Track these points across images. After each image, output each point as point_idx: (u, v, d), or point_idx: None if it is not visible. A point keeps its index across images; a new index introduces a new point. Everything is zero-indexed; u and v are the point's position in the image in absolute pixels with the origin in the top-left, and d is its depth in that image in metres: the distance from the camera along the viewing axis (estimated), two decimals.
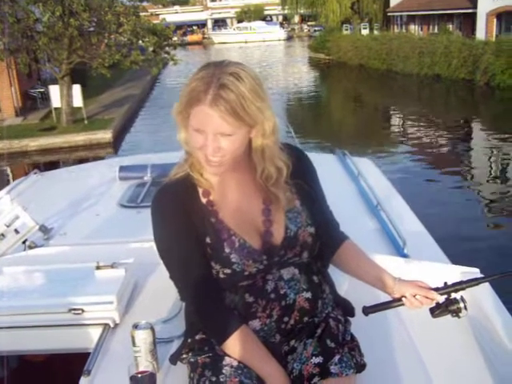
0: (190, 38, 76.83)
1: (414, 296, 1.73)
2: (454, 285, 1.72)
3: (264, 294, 1.72)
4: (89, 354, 2.07)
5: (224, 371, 1.65)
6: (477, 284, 1.74)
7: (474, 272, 2.45)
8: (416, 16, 39.21)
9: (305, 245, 1.76)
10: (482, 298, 2.15)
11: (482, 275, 2.40)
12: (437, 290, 1.72)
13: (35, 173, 4.64)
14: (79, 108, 18.45)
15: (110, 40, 18.31)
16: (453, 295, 1.71)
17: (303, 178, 1.82)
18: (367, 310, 1.75)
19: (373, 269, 1.86)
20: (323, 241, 1.82)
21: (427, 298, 1.73)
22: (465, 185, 11.51)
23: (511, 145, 14.72)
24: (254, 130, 1.64)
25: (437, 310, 1.71)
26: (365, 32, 41.33)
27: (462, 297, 1.70)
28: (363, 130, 18.57)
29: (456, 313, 1.68)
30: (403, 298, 1.75)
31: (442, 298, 1.71)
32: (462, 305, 1.68)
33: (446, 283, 1.74)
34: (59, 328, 2.23)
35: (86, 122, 18.29)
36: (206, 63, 1.64)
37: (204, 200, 1.73)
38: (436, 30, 36.00)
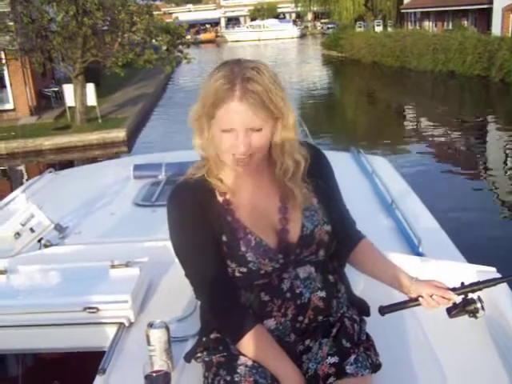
0: (203, 36, 76.96)
1: (431, 296, 1.71)
2: (471, 285, 1.70)
3: (280, 293, 1.72)
4: (104, 352, 2.08)
5: (239, 370, 1.65)
6: (494, 284, 1.73)
7: (491, 271, 2.42)
8: (430, 12, 38.97)
9: (321, 243, 1.75)
10: (499, 297, 2.12)
11: (499, 274, 2.39)
12: (454, 290, 1.70)
13: (50, 172, 4.67)
14: (93, 107, 18.51)
15: (123, 39, 18.33)
16: (470, 295, 1.69)
17: (320, 176, 1.81)
18: (384, 310, 1.74)
19: (389, 268, 1.85)
20: (339, 239, 1.81)
21: (444, 298, 1.71)
22: (480, 182, 11.42)
23: None
24: (279, 123, 1.64)
25: (454, 310, 1.70)
26: (378, 29, 41.15)
27: (479, 297, 1.68)
28: (377, 128, 18.49)
29: (473, 313, 1.67)
30: (420, 298, 1.73)
31: (458, 298, 1.70)
32: (479, 305, 1.66)
33: (462, 283, 1.72)
34: (74, 326, 2.24)
35: (99, 120, 18.35)
36: (221, 63, 1.64)
37: (220, 199, 1.72)
38: (450, 27, 35.71)
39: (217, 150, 1.67)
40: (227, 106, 1.56)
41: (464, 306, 1.68)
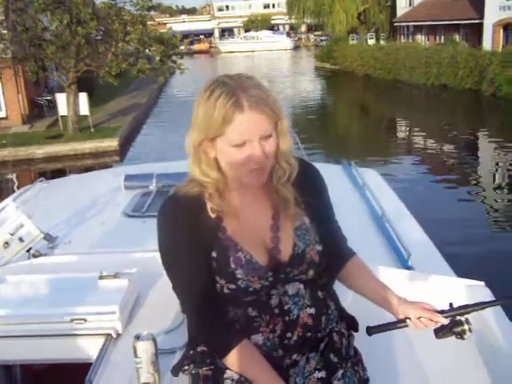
0: (196, 46, 77.13)
1: (419, 318, 1.70)
2: (459, 308, 1.69)
3: (268, 308, 1.70)
4: (91, 364, 2.06)
5: None
6: (482, 308, 1.73)
7: (480, 285, 2.43)
8: (423, 26, 39.25)
9: (312, 263, 1.73)
10: (489, 315, 2.12)
11: (488, 289, 2.40)
12: (442, 312, 1.69)
13: (41, 181, 4.65)
14: (86, 116, 18.52)
15: (117, 48, 18.39)
16: (458, 317, 1.69)
17: (313, 193, 1.79)
18: (371, 331, 1.73)
19: (378, 288, 1.83)
20: (330, 256, 1.80)
21: (432, 320, 1.70)
22: (471, 195, 11.46)
23: None
24: (278, 127, 1.64)
25: (441, 332, 1.69)
26: (371, 42, 41.43)
27: (466, 319, 1.68)
28: (369, 141, 18.56)
29: (460, 335, 1.66)
30: (407, 320, 1.71)
31: (446, 321, 1.69)
32: (466, 327, 1.66)
33: (451, 305, 1.71)
34: (61, 338, 2.23)
35: (92, 129, 18.35)
36: (211, 81, 1.61)
37: (212, 215, 1.70)
38: (443, 41, 35.99)
39: (224, 170, 1.65)
40: (238, 119, 1.54)
41: (451, 327, 1.67)
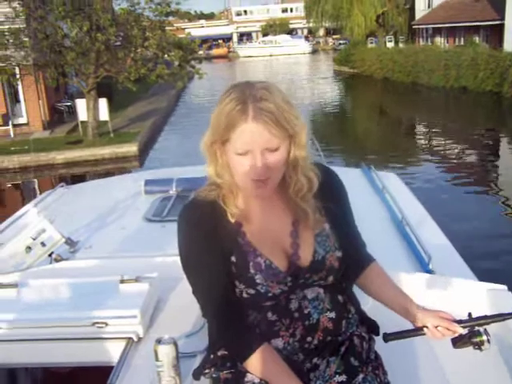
0: (215, 51, 77.42)
1: (437, 327, 1.69)
2: (477, 318, 1.68)
3: (288, 312, 1.70)
4: (112, 367, 2.08)
5: None
6: (502, 320, 1.70)
7: (501, 289, 2.41)
8: (442, 28, 39.03)
9: (331, 269, 1.73)
10: None
11: (511, 293, 2.37)
12: (460, 322, 1.68)
13: (62, 186, 4.71)
14: (105, 121, 18.65)
15: (135, 54, 18.50)
16: (476, 327, 1.68)
17: (333, 200, 1.78)
18: (387, 338, 1.73)
19: (396, 295, 1.82)
20: (349, 262, 1.79)
21: (449, 329, 1.69)
22: (493, 199, 11.35)
23: None
24: (293, 141, 1.62)
25: (459, 342, 1.67)
26: (390, 45, 41.26)
27: (485, 329, 1.66)
28: (389, 144, 18.48)
29: (478, 345, 1.64)
30: (425, 328, 1.70)
31: (464, 331, 1.67)
32: (484, 338, 1.64)
33: (470, 314, 1.70)
34: (83, 341, 2.25)
35: (112, 135, 18.47)
36: (231, 85, 1.62)
37: (232, 220, 1.70)
38: (462, 43, 35.75)
39: (233, 175, 1.65)
40: (241, 127, 1.54)
41: (470, 337, 1.65)
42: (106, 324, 2.22)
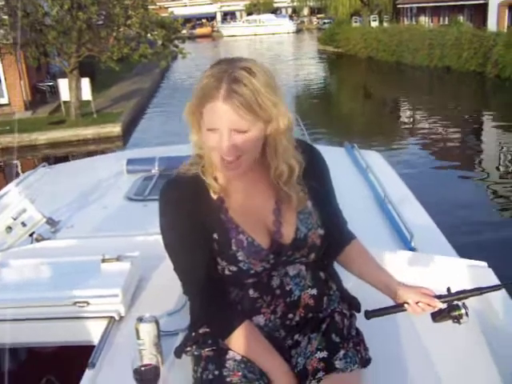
0: (198, 30, 76.63)
1: (417, 303, 1.71)
2: (456, 293, 1.71)
3: (269, 289, 1.71)
4: (94, 346, 2.07)
5: (227, 365, 1.64)
6: (480, 294, 1.73)
7: (482, 266, 2.43)
8: (426, 8, 38.99)
9: (313, 247, 1.74)
10: (492, 297, 2.11)
11: (491, 270, 2.39)
12: (439, 297, 1.71)
13: (44, 166, 4.66)
14: (88, 101, 18.46)
15: (118, 33, 18.28)
16: (455, 301, 1.70)
17: (315, 178, 1.78)
18: (369, 314, 1.74)
19: (377, 272, 1.84)
20: (330, 240, 1.80)
21: (429, 305, 1.71)
22: (475, 177, 11.43)
23: None
24: (270, 127, 1.59)
25: (438, 316, 1.71)
26: (374, 24, 41.13)
27: (463, 303, 1.69)
28: (372, 123, 18.51)
29: (457, 319, 1.68)
30: (406, 304, 1.72)
31: (443, 306, 1.70)
32: (463, 311, 1.67)
33: (449, 289, 1.72)
34: (65, 321, 2.24)
35: (94, 115, 18.31)
36: (217, 60, 1.60)
37: (214, 196, 1.70)
38: (446, 22, 35.73)
39: (207, 149, 1.64)
40: (212, 104, 1.52)
41: (449, 311, 1.69)
42: (88, 303, 2.21)
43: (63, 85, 18.19)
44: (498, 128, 16.24)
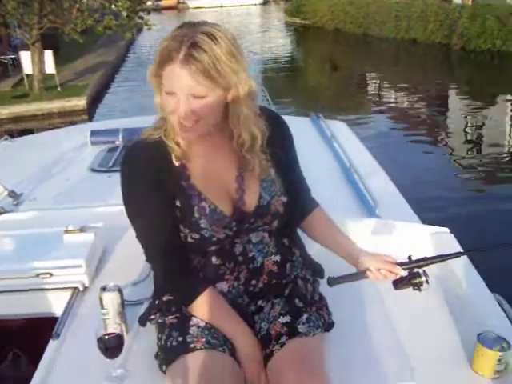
0: (164, 2, 75.13)
1: (379, 270, 1.73)
2: (417, 261, 1.73)
3: (232, 256, 1.71)
4: (58, 318, 2.06)
5: (191, 331, 1.65)
6: (441, 261, 1.76)
7: (444, 231, 2.47)
8: None
9: (276, 214, 1.74)
10: (455, 264, 2.14)
11: (453, 235, 2.44)
12: (401, 264, 1.73)
13: (6, 139, 4.57)
14: (52, 75, 18.06)
15: (81, 4, 17.90)
16: (416, 269, 1.72)
17: (279, 145, 1.78)
18: (332, 282, 1.76)
19: (340, 239, 1.86)
20: (293, 207, 1.80)
21: (391, 272, 1.73)
22: (439, 148, 11.56)
23: (487, 109, 14.79)
24: (230, 94, 1.58)
25: (399, 283, 1.74)
26: None
27: (424, 271, 1.72)
28: (339, 94, 18.53)
29: (418, 286, 1.71)
30: (368, 272, 1.74)
31: (405, 273, 1.72)
32: (423, 279, 1.70)
33: (410, 257, 1.75)
34: (28, 293, 2.22)
35: (59, 88, 17.96)
36: (181, 23, 1.58)
37: (177, 163, 1.69)
38: None
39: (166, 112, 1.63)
40: (170, 67, 1.52)
41: (410, 279, 1.71)
42: (51, 274, 2.19)
43: (26, 57, 17.76)
44: (463, 100, 16.40)
